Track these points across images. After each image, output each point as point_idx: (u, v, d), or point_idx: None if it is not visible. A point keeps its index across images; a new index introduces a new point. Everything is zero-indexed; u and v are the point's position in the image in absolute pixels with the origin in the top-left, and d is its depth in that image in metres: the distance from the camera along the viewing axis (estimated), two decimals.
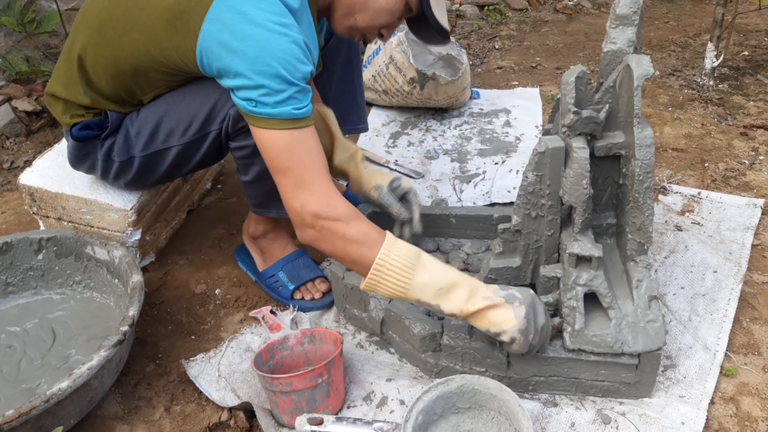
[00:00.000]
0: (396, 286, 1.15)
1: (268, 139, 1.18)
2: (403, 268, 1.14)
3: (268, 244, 1.59)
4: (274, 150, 1.18)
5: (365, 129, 1.87)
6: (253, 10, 1.15)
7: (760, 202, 1.81)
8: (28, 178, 1.59)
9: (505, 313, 1.13)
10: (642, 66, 1.12)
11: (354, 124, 1.80)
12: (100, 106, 1.39)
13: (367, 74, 2.34)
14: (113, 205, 1.54)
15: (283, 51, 1.14)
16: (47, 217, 1.62)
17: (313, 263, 1.59)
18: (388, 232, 1.19)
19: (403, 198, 1.51)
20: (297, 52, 1.16)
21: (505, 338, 1.14)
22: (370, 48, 2.35)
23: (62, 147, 1.69)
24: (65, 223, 1.60)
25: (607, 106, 1.20)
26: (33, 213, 1.63)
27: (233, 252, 1.70)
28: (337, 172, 1.55)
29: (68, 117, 1.41)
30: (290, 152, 1.17)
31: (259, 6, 1.15)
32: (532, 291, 1.18)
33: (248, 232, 1.63)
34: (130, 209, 1.54)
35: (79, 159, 1.49)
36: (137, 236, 1.58)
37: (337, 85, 1.71)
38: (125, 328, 1.22)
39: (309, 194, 1.17)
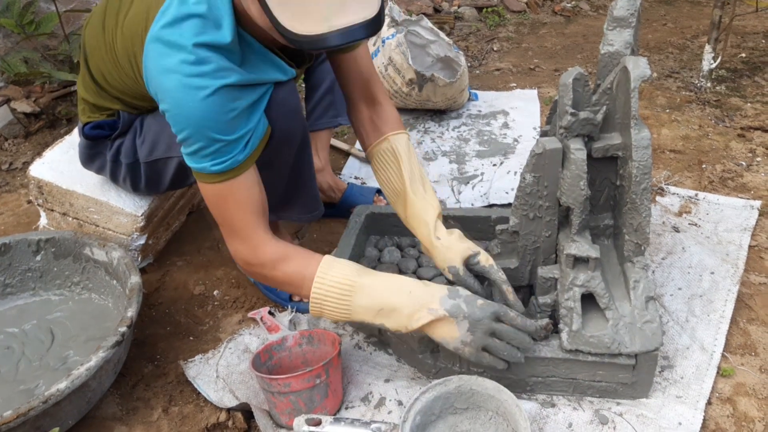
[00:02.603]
0: (338, 312, 1.17)
1: (201, 189, 1.19)
2: (338, 296, 1.15)
3: None
4: (207, 200, 1.20)
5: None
6: (169, 61, 1.08)
7: (757, 203, 1.81)
8: (38, 170, 1.60)
9: (448, 329, 1.13)
10: (639, 68, 1.13)
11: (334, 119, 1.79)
12: (115, 107, 1.40)
13: None
14: (124, 209, 1.55)
15: (198, 109, 1.08)
16: (52, 210, 1.62)
17: None
18: (324, 259, 1.18)
19: (484, 274, 1.28)
20: (216, 105, 1.08)
21: (449, 348, 1.15)
22: (370, 49, 2.36)
23: (73, 140, 1.70)
24: (70, 219, 1.61)
25: (604, 107, 1.21)
26: (38, 204, 1.64)
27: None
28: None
29: (86, 116, 1.44)
30: (219, 205, 1.19)
31: (175, 56, 1.08)
32: (480, 299, 1.15)
33: None
34: (141, 215, 1.55)
35: (90, 158, 1.50)
36: (142, 241, 1.59)
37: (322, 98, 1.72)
38: (123, 329, 1.22)
39: (239, 243, 1.20)
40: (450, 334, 1.13)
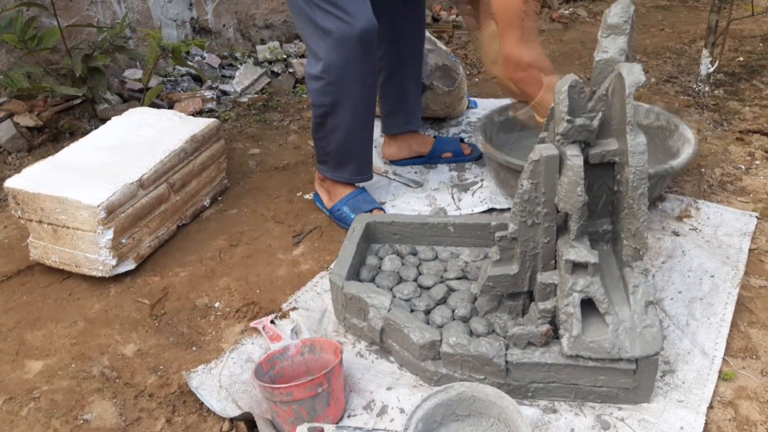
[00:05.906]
0: None
1: None
2: None
3: (332, 185, 1.90)
4: None
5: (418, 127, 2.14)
6: None
7: (755, 215, 1.81)
8: (12, 181, 1.65)
9: None
10: (633, 74, 1.14)
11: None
12: None
13: None
14: (81, 201, 1.57)
15: None
16: (31, 221, 1.66)
17: (371, 197, 1.88)
18: None
19: None
20: None
21: None
22: None
23: (56, 159, 1.75)
24: (46, 226, 1.64)
25: (600, 114, 1.22)
26: (19, 217, 1.68)
27: (234, 263, 1.73)
28: None
29: None
30: None
31: None
32: None
33: (318, 176, 1.94)
34: (98, 206, 1.56)
35: None
36: (109, 235, 1.60)
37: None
38: None
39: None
40: None
